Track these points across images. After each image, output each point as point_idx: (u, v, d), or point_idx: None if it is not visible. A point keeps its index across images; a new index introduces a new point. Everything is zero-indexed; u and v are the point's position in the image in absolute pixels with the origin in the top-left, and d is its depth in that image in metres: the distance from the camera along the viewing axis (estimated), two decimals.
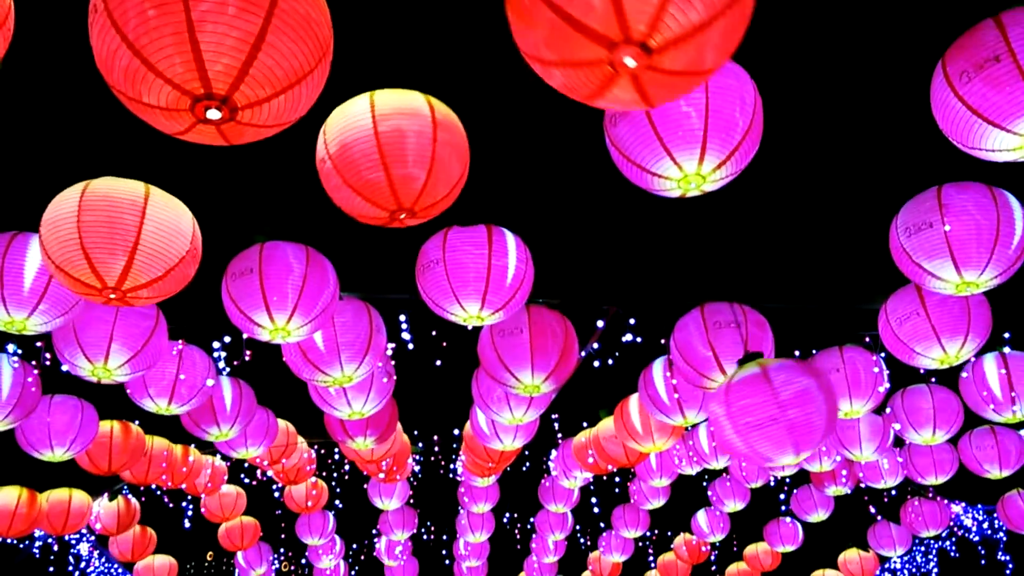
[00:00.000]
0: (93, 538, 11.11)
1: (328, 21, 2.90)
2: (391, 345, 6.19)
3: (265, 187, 5.32)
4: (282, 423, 8.28)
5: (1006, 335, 6.51)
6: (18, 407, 6.15)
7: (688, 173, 3.78)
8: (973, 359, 6.68)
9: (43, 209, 4.15)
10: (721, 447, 5.00)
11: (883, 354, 6.45)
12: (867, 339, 6.65)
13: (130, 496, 10.07)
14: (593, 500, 10.57)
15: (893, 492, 9.80)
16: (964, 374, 6.91)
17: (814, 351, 6.80)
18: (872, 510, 10.81)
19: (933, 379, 7.30)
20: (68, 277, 4.12)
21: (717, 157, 3.73)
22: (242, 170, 4.99)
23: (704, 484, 10.56)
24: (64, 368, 5.58)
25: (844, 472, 9.38)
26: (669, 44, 2.46)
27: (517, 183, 5.33)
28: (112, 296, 4.17)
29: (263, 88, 2.80)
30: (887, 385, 6.72)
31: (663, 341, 6.33)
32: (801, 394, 4.67)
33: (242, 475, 9.68)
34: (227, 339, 6.28)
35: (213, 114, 2.81)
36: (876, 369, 6.60)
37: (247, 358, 6.12)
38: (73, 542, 10.91)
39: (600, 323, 6.38)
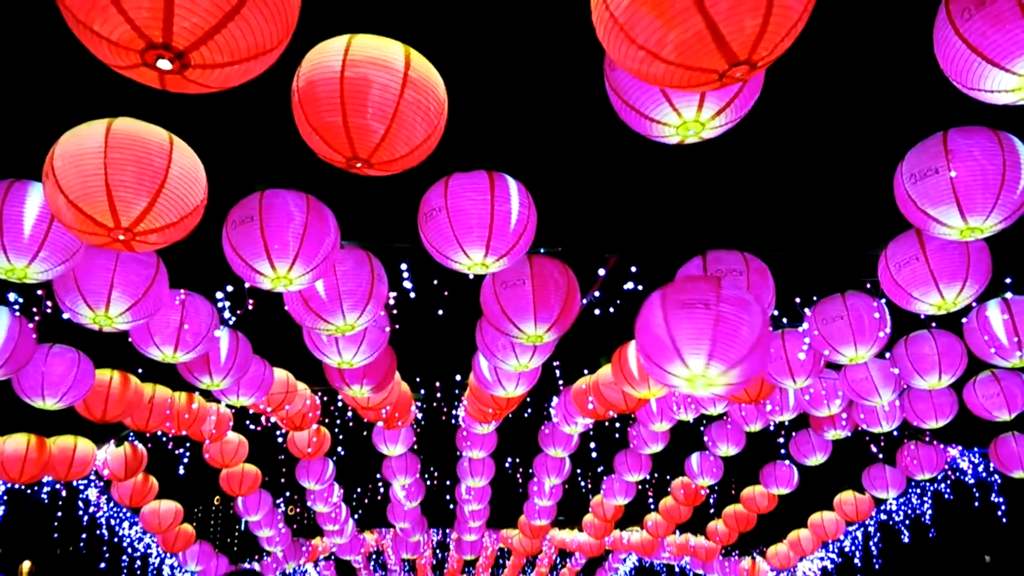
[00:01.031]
0: (101, 484, 11.28)
1: (298, 7, 2.94)
2: (392, 294, 6.19)
3: (265, 134, 5.28)
4: (282, 372, 8.34)
5: (1007, 280, 6.51)
6: (11, 361, 6.17)
7: (687, 120, 3.75)
8: (976, 305, 6.70)
9: (32, 156, 4.13)
10: (641, 337, 4.66)
11: (884, 299, 6.47)
12: (868, 285, 6.65)
13: (136, 442, 10.20)
14: (592, 445, 10.68)
15: (894, 434, 9.89)
16: (968, 319, 6.94)
17: (815, 298, 6.81)
18: (874, 450, 10.91)
19: (934, 324, 7.32)
20: (80, 214, 4.08)
21: (716, 104, 3.70)
22: (241, 117, 4.95)
23: (702, 429, 10.67)
24: (65, 316, 5.60)
25: (844, 416, 9.46)
26: None
27: (517, 130, 5.28)
28: (120, 238, 4.17)
29: (222, 55, 2.84)
30: (889, 330, 6.74)
31: (677, 279, 6.32)
32: (741, 301, 4.53)
33: (247, 422, 9.78)
34: (230, 288, 6.28)
35: (163, 64, 2.84)
36: (877, 315, 6.61)
37: (250, 307, 6.13)
38: (81, 488, 11.07)
39: (601, 271, 6.38)
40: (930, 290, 5.71)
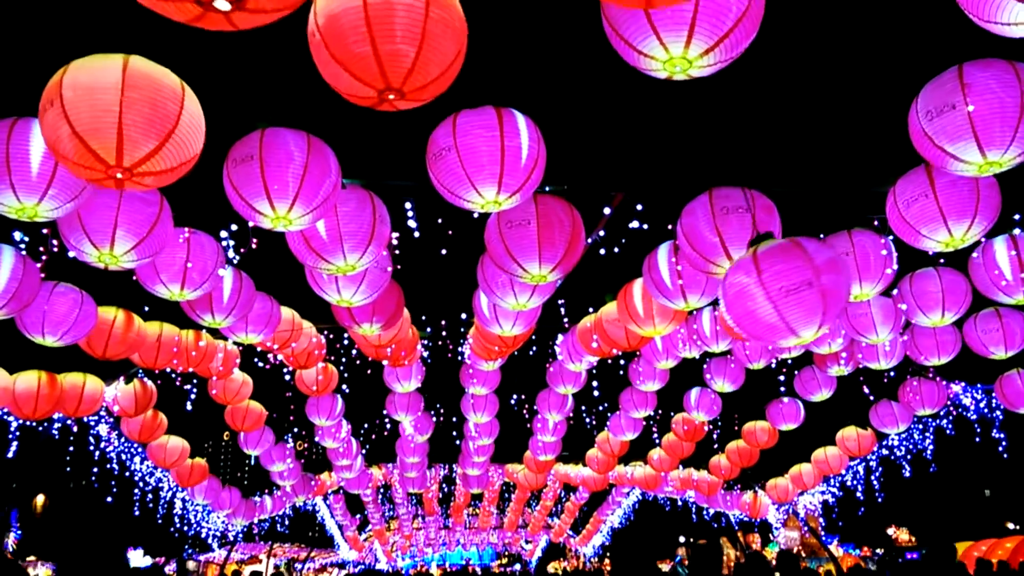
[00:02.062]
0: (112, 420, 11.44)
1: None
2: (396, 234, 6.17)
3: (267, 72, 5.21)
4: (288, 311, 8.38)
5: (1016, 217, 6.45)
6: (14, 300, 6.18)
7: (674, 56, 3.67)
8: (984, 241, 6.66)
9: (26, 93, 4.08)
10: (743, 320, 4.77)
11: (891, 237, 6.42)
12: (875, 222, 6.60)
13: (146, 379, 10.31)
14: (595, 384, 10.77)
15: (892, 373, 9.94)
16: (975, 257, 6.90)
17: (822, 235, 6.77)
18: (866, 390, 10.98)
19: (942, 260, 7.29)
20: (82, 147, 4.01)
21: (704, 43, 3.61)
22: (244, 55, 4.87)
23: (704, 367, 10.72)
24: (71, 254, 5.60)
25: (844, 353, 9.49)
26: None
27: (520, 68, 5.19)
28: (117, 176, 4.13)
29: None
30: (895, 267, 6.72)
31: (670, 227, 6.30)
32: (832, 262, 4.58)
33: (255, 359, 9.86)
34: (234, 227, 6.27)
35: (222, 5, 2.94)
36: (884, 252, 6.58)
37: (254, 246, 6.12)
38: (92, 424, 11.23)
39: (607, 210, 6.33)
40: (938, 227, 5.66)
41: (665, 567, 38.68)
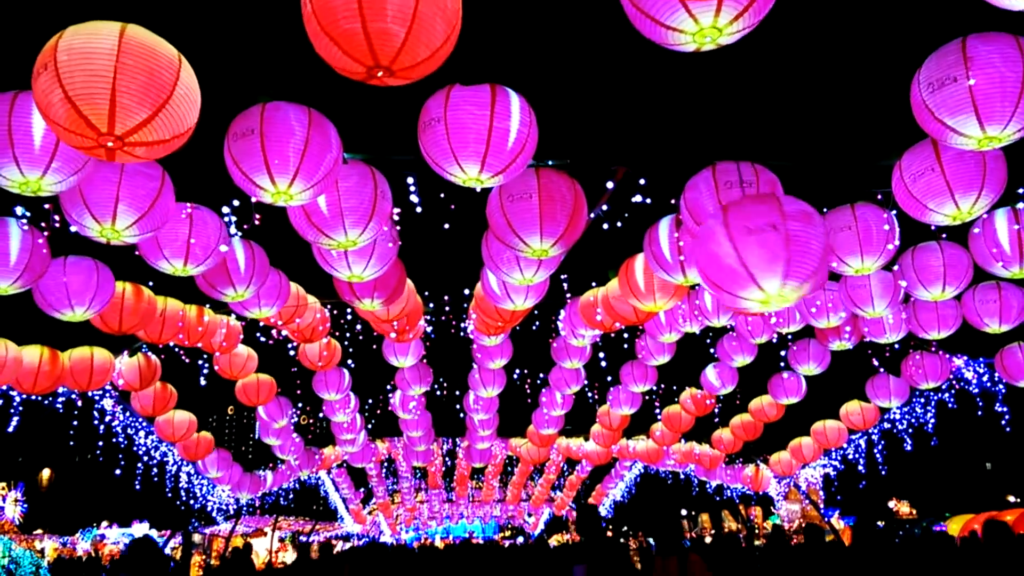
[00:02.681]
0: (116, 393, 11.48)
1: None
2: (397, 210, 6.15)
3: (269, 45, 5.16)
4: (294, 285, 8.38)
5: (1020, 191, 6.42)
6: (27, 272, 6.19)
7: (704, 26, 3.64)
8: (985, 215, 6.63)
9: (29, 66, 4.03)
10: (707, 266, 4.71)
11: (894, 211, 6.40)
12: (879, 196, 6.57)
13: (150, 353, 10.35)
14: (600, 355, 10.79)
15: (896, 346, 9.94)
16: (976, 230, 6.88)
17: (826, 209, 6.74)
18: (876, 363, 10.99)
19: (944, 235, 7.27)
20: (73, 112, 3.97)
21: (735, 8, 3.57)
22: (247, 27, 4.83)
23: (708, 341, 10.74)
24: (73, 229, 5.59)
25: (848, 328, 9.50)
26: None
27: (526, 41, 5.15)
28: (108, 144, 4.10)
29: None
30: (898, 242, 6.70)
31: (673, 201, 6.28)
32: (807, 215, 4.51)
33: (257, 334, 9.88)
34: (236, 203, 6.25)
35: None
36: (887, 227, 6.56)
37: (257, 221, 6.11)
38: (97, 398, 11.28)
39: (610, 184, 6.31)
40: (945, 201, 5.64)
41: None
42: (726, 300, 4.79)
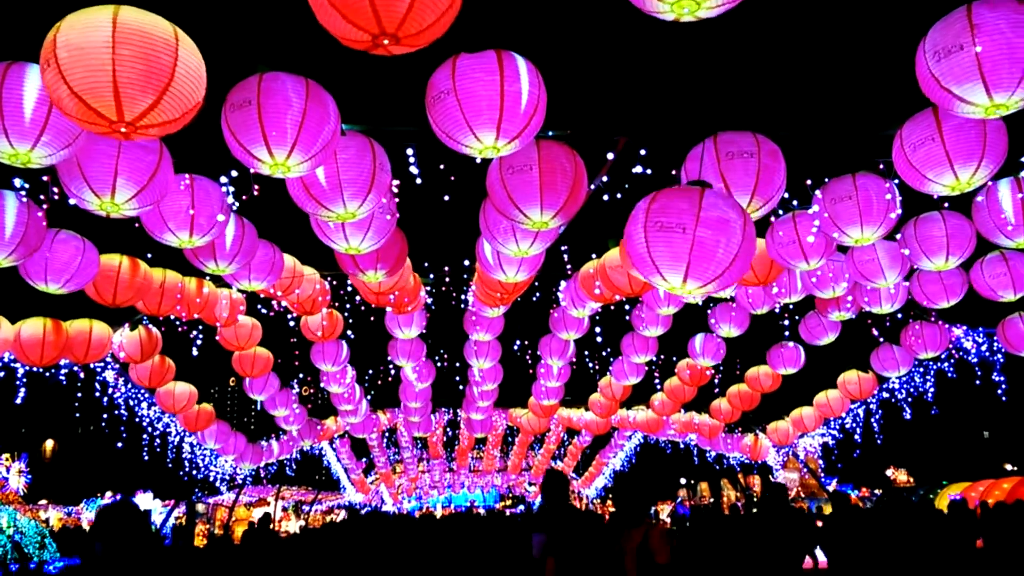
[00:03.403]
0: (118, 366, 11.52)
1: None
2: (396, 182, 6.12)
3: (266, 14, 5.12)
4: (289, 258, 8.37)
5: (1022, 160, 6.39)
6: (22, 246, 6.19)
7: None
8: (989, 184, 6.61)
9: (22, 36, 4.02)
10: (628, 244, 4.88)
11: (896, 181, 6.38)
12: (881, 166, 6.54)
13: (150, 326, 10.36)
14: (598, 329, 10.81)
15: (899, 315, 9.95)
16: (979, 199, 6.86)
17: (827, 179, 6.72)
18: (875, 333, 11.01)
19: (947, 204, 7.25)
20: (83, 106, 4.02)
21: None
22: None
23: (708, 312, 10.75)
24: (72, 202, 5.58)
25: (849, 298, 9.50)
26: None
27: (524, 11, 5.09)
28: (122, 130, 4.14)
29: None
30: (899, 212, 6.68)
31: (674, 172, 6.25)
32: (721, 222, 4.55)
33: (259, 306, 9.90)
34: (234, 173, 6.22)
35: None
36: (888, 196, 6.54)
37: (255, 192, 6.08)
38: (99, 370, 11.32)
39: (610, 155, 6.28)
40: (945, 171, 5.62)
41: (666, 508, 39.28)
42: (642, 276, 4.94)
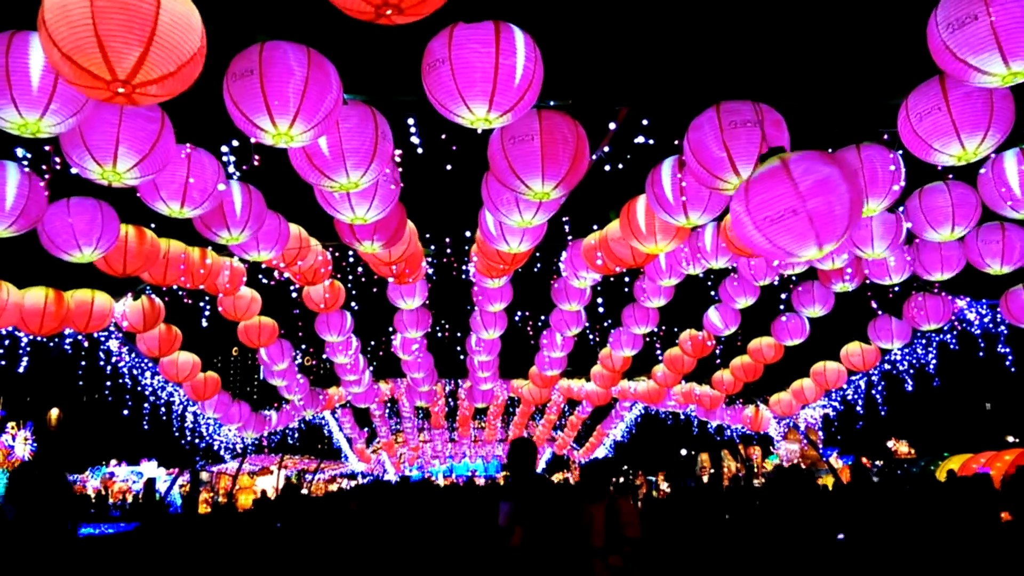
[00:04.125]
0: (121, 335, 11.57)
1: None
2: (398, 152, 6.10)
3: None
4: (294, 227, 8.37)
5: None
6: (23, 216, 6.19)
7: None
8: (994, 155, 6.57)
9: (25, 5, 3.98)
10: (746, 245, 4.87)
11: (900, 151, 6.34)
12: (885, 136, 6.50)
13: (153, 295, 10.39)
14: (600, 300, 10.82)
15: (897, 288, 9.94)
16: (983, 170, 6.82)
17: (831, 150, 6.68)
18: (875, 305, 11.00)
19: (951, 175, 7.21)
20: (76, 67, 3.94)
21: None
22: None
23: (709, 284, 10.74)
24: (74, 171, 5.57)
25: (850, 269, 9.48)
26: None
27: None
28: (120, 91, 4.05)
29: None
30: (903, 183, 6.65)
31: (676, 142, 6.22)
32: (822, 183, 4.47)
33: (260, 276, 9.91)
34: (235, 143, 6.20)
35: None
36: (893, 167, 6.50)
37: (256, 162, 6.07)
38: (103, 339, 11.37)
39: (612, 125, 6.24)
40: (951, 140, 5.57)
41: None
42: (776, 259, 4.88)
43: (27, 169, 6.13)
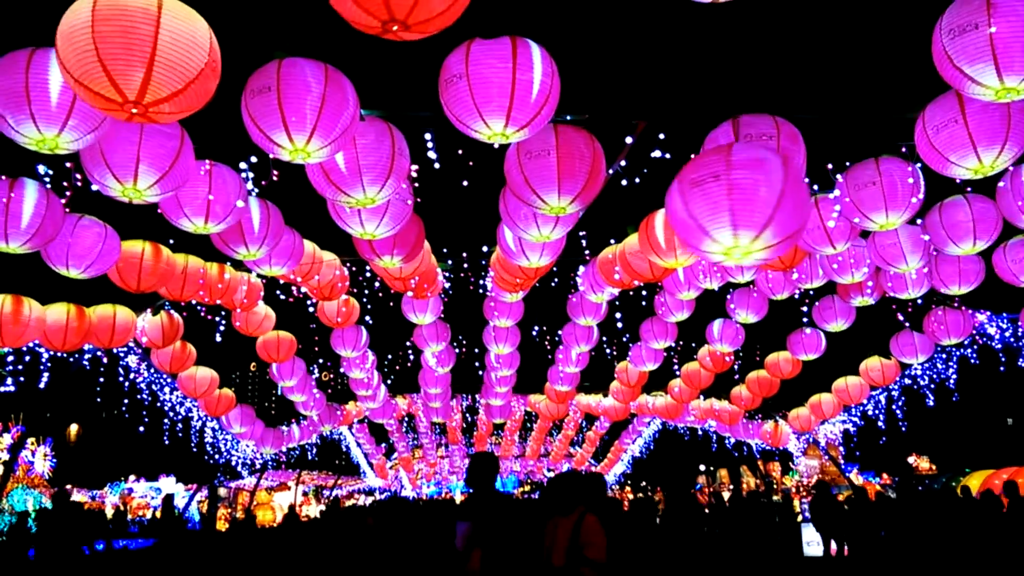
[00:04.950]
0: (140, 351, 11.64)
1: None
2: (415, 167, 6.13)
3: (285, 1, 5.12)
4: (309, 244, 8.41)
5: None
6: (38, 235, 6.26)
7: None
8: (1012, 169, 6.52)
9: (47, 22, 4.04)
10: (672, 221, 4.73)
11: (919, 164, 6.30)
12: (903, 149, 6.47)
13: (172, 311, 10.46)
14: (618, 315, 10.79)
15: (919, 302, 9.86)
16: (1002, 183, 6.78)
17: (848, 163, 6.65)
18: (900, 318, 10.91)
19: (969, 188, 7.16)
20: (88, 91, 4.04)
21: None
22: None
23: (728, 297, 10.70)
24: (94, 188, 5.63)
25: (870, 283, 9.42)
26: None
27: None
28: (134, 111, 4.12)
29: None
30: (922, 195, 6.60)
31: (693, 156, 6.20)
32: (755, 161, 4.38)
33: (277, 291, 9.95)
34: (254, 159, 6.25)
35: None
36: (911, 180, 6.46)
37: (275, 178, 6.11)
38: (122, 355, 11.44)
39: (629, 139, 6.24)
40: (968, 153, 5.53)
41: None
42: (698, 255, 4.77)
43: (48, 186, 6.19)
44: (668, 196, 4.70)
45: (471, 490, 5.32)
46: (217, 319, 10.33)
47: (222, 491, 28.30)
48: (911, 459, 39.26)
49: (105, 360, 10.71)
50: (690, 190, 4.47)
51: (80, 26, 3.90)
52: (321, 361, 13.36)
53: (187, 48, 4.09)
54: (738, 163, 4.39)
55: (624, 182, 6.60)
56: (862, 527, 8.84)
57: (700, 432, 19.82)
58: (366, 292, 10.12)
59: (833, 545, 13.10)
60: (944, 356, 12.95)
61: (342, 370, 13.41)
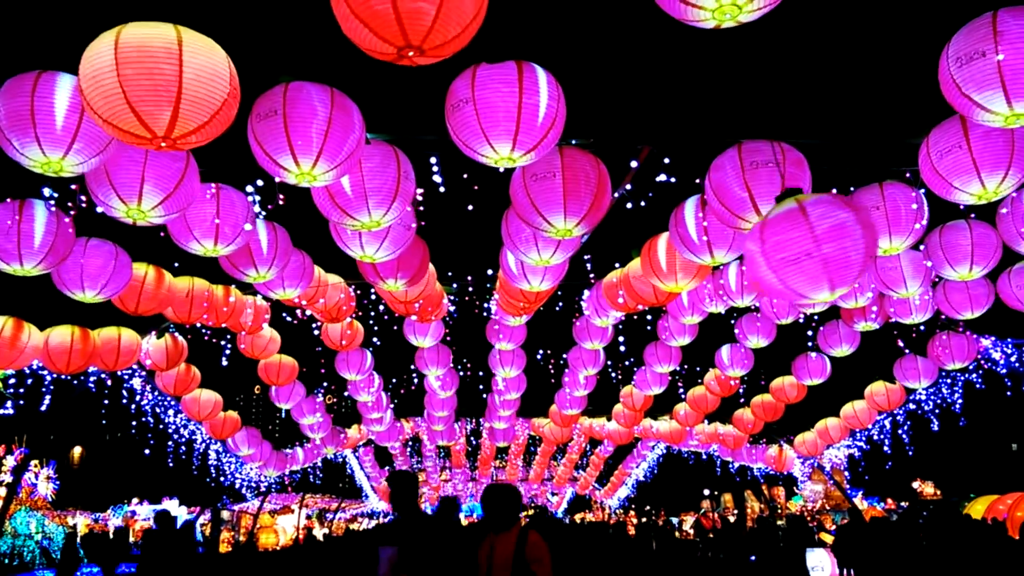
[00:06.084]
0: (144, 373, 11.64)
1: None
2: (420, 191, 6.15)
3: (291, 24, 5.17)
4: (315, 268, 8.43)
5: None
6: (51, 255, 6.28)
7: (723, 3, 3.61)
8: (1014, 194, 6.53)
9: (53, 44, 4.08)
10: (756, 285, 4.88)
11: (923, 190, 6.32)
12: (907, 175, 6.48)
13: (176, 334, 10.47)
14: (621, 339, 10.79)
15: (922, 327, 9.84)
16: (1003, 210, 6.78)
17: (852, 188, 6.67)
18: (901, 344, 10.89)
19: (973, 215, 7.18)
20: (118, 130, 4.12)
21: None
22: (268, 6, 4.83)
23: (732, 322, 10.70)
24: (99, 210, 5.65)
25: (875, 308, 9.41)
26: None
27: (549, 19, 5.11)
28: (163, 144, 4.22)
29: None
30: (926, 221, 6.61)
31: (697, 181, 6.23)
32: (838, 228, 4.47)
33: (283, 314, 9.97)
34: (260, 183, 6.28)
35: None
36: (915, 206, 6.47)
37: (281, 201, 6.14)
38: (126, 377, 11.44)
39: (634, 163, 6.27)
40: (971, 179, 5.54)
41: (689, 519, 38.99)
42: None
43: (54, 207, 6.22)
44: (753, 269, 4.79)
45: (483, 514, 5.14)
46: (221, 343, 10.34)
47: (225, 514, 28.20)
48: (916, 484, 39.04)
49: (109, 382, 10.71)
50: (784, 268, 4.56)
51: (105, 69, 3.97)
52: (326, 384, 13.35)
53: (210, 81, 4.17)
54: (824, 236, 4.48)
55: (629, 205, 6.62)
56: (857, 549, 8.79)
57: (704, 456, 19.74)
58: (372, 315, 10.14)
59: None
60: (949, 381, 12.90)
61: (346, 393, 13.38)
